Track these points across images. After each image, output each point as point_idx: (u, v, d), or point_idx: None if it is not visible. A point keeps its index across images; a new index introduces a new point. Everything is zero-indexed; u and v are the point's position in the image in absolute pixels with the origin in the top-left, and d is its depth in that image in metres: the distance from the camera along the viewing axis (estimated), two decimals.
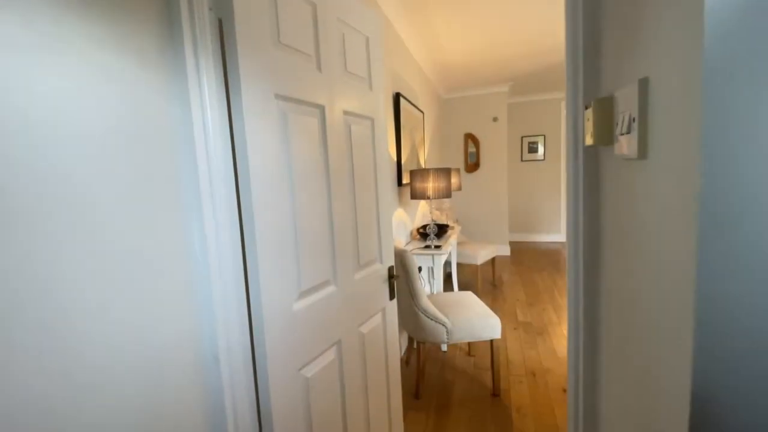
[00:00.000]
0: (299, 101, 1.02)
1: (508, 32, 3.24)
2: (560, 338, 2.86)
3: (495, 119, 5.44)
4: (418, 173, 2.62)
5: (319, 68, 1.09)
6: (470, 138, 5.57)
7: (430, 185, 2.61)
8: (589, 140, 0.63)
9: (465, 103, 5.53)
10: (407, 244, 3.01)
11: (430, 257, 2.68)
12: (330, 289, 1.15)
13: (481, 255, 3.84)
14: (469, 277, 4.57)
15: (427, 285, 3.41)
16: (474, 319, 2.11)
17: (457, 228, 3.73)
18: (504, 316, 3.35)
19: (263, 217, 0.90)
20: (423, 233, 2.99)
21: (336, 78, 1.17)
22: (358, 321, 1.29)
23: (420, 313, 2.09)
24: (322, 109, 1.10)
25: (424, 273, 3.26)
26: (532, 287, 4.11)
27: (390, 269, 1.55)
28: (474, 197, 5.70)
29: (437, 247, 2.72)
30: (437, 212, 4.00)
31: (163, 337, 0.73)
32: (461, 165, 5.70)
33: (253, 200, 0.87)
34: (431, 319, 2.08)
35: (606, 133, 0.59)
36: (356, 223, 1.31)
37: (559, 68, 4.53)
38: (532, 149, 6.45)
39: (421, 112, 3.65)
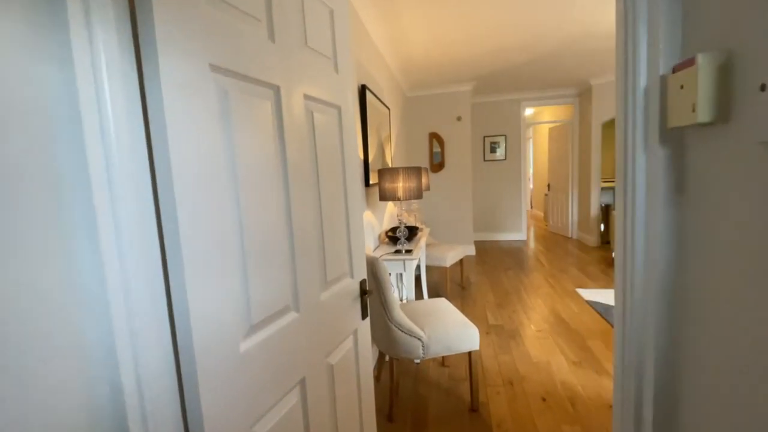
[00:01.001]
0: (246, 78, 0.78)
1: (474, 27, 3.13)
2: (533, 341, 2.79)
3: (459, 118, 5.39)
4: (387, 173, 2.43)
5: (271, 38, 0.86)
6: (435, 137, 5.48)
7: (401, 185, 2.43)
8: (681, 118, 0.44)
9: (429, 102, 5.43)
10: (376, 248, 2.80)
11: (401, 263, 2.49)
12: (290, 316, 0.92)
13: (450, 257, 3.72)
14: (437, 279, 4.45)
15: (396, 291, 3.23)
16: (451, 330, 1.95)
17: (426, 230, 3.59)
18: (475, 319, 3.24)
19: (193, 231, 0.65)
20: (392, 237, 2.80)
21: (294, 53, 0.94)
22: (325, 351, 1.06)
23: (393, 327, 1.90)
24: (276, 90, 0.87)
25: (393, 279, 3.08)
26: (500, 288, 4.07)
27: (362, 284, 1.34)
28: (439, 197, 5.61)
29: (408, 251, 2.54)
30: (406, 213, 3.83)
31: (35, 417, 0.47)
32: (426, 165, 5.59)
33: (178, 208, 0.62)
34: (406, 333, 1.89)
35: (724, 105, 0.41)
36: (322, 232, 1.09)
37: (521, 68, 4.54)
38: (494, 149, 6.49)
39: (387, 108, 3.47)
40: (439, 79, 4.89)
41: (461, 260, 4.08)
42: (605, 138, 7.36)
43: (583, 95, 5.86)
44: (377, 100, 2.94)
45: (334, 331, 1.12)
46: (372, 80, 2.93)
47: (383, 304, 1.91)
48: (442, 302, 2.33)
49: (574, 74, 5.05)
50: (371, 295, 1.96)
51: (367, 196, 2.70)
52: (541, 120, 7.06)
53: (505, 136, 6.42)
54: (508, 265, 5.01)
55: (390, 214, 3.51)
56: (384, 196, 2.46)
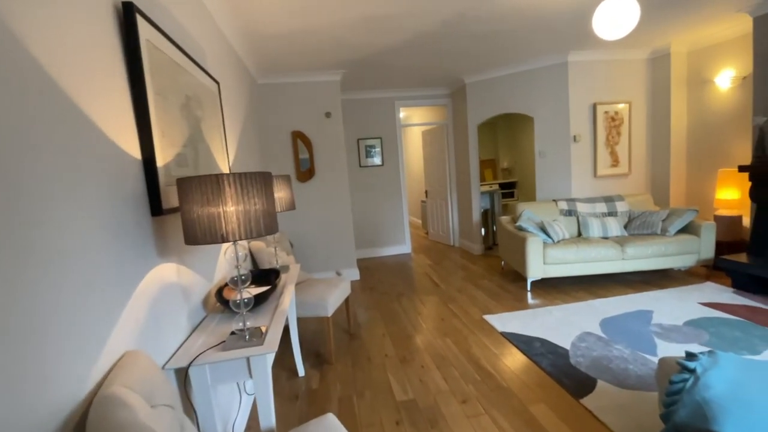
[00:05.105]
0: None
1: None
2: (463, 424, 1.90)
3: (328, 115, 4.35)
4: (194, 185, 1.17)
5: None
6: (300, 138, 4.31)
7: (231, 210, 1.20)
8: None
9: (289, 93, 4.24)
10: (193, 331, 1.49)
11: (242, 364, 1.26)
12: None
13: (332, 302, 2.61)
14: (314, 329, 3.28)
15: (239, 397, 1.97)
16: None
17: (296, 268, 2.39)
18: (376, 396, 2.20)
19: None
20: (228, 301, 1.53)
21: None
22: None
23: None
24: None
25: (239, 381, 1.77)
26: (397, 328, 3.15)
27: None
28: (310, 213, 4.46)
29: (256, 334, 1.32)
30: (262, 245, 2.55)
31: None
32: (292, 173, 4.37)
33: None
34: None
35: None
36: None
37: (394, 54, 3.77)
38: (370, 154, 5.69)
39: (216, 82, 2.16)
40: (300, 62, 3.76)
41: (347, 298, 3.01)
42: (481, 139, 7.38)
43: (456, 95, 5.54)
44: (184, 56, 1.64)
45: None
46: (166, 14, 1.62)
47: None
48: (330, 426, 1.19)
49: (448, 69, 4.58)
50: None
51: (162, 233, 1.37)
52: (412, 122, 6.66)
53: (380, 138, 5.68)
54: (400, 288, 4.18)
55: (233, 252, 2.19)
56: (192, 237, 1.19)
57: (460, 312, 3.38)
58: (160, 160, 1.31)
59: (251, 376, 1.28)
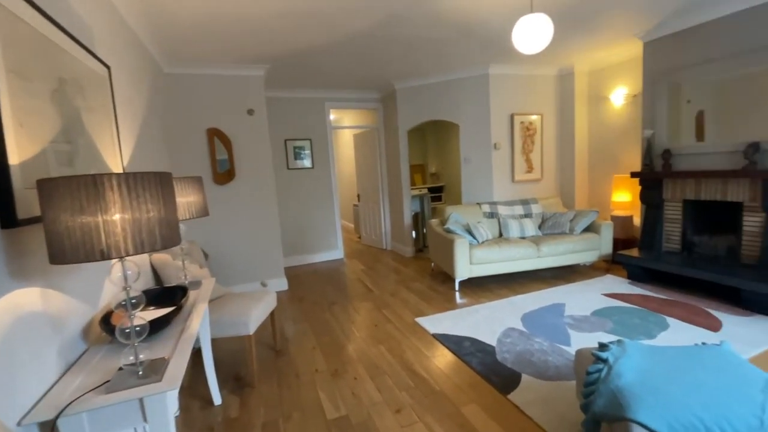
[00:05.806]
0: None
1: None
2: None
3: (250, 112, 4.05)
4: (62, 187, 0.92)
5: None
6: (217, 136, 3.93)
7: (116, 218, 0.97)
8: None
9: (204, 85, 3.85)
10: (70, 368, 1.20)
11: (135, 407, 1.03)
12: None
13: (255, 316, 2.38)
14: (235, 348, 2.98)
15: None
16: None
17: (210, 282, 2.12)
18: (305, 417, 2.04)
19: None
20: (119, 330, 1.26)
21: None
22: None
23: None
24: None
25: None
26: (329, 337, 3.01)
27: None
28: (229, 219, 4.09)
29: (153, 368, 1.09)
30: (164, 256, 2.23)
31: None
32: (207, 174, 3.97)
33: None
34: None
35: None
36: None
37: (323, 52, 3.64)
38: (299, 156, 5.45)
39: (106, 66, 1.83)
40: (216, 52, 3.43)
41: (272, 312, 2.78)
42: (411, 144, 7.49)
43: (387, 99, 5.56)
44: (49, 23, 1.33)
45: None
46: None
47: None
48: None
49: (378, 74, 4.57)
50: None
51: (26, 249, 1.08)
52: (343, 125, 6.57)
53: (310, 140, 5.47)
54: (332, 297, 4.03)
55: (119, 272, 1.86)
56: (59, 254, 0.94)
57: (393, 317, 3.34)
58: (15, 157, 1.02)
59: (146, 421, 1.05)
